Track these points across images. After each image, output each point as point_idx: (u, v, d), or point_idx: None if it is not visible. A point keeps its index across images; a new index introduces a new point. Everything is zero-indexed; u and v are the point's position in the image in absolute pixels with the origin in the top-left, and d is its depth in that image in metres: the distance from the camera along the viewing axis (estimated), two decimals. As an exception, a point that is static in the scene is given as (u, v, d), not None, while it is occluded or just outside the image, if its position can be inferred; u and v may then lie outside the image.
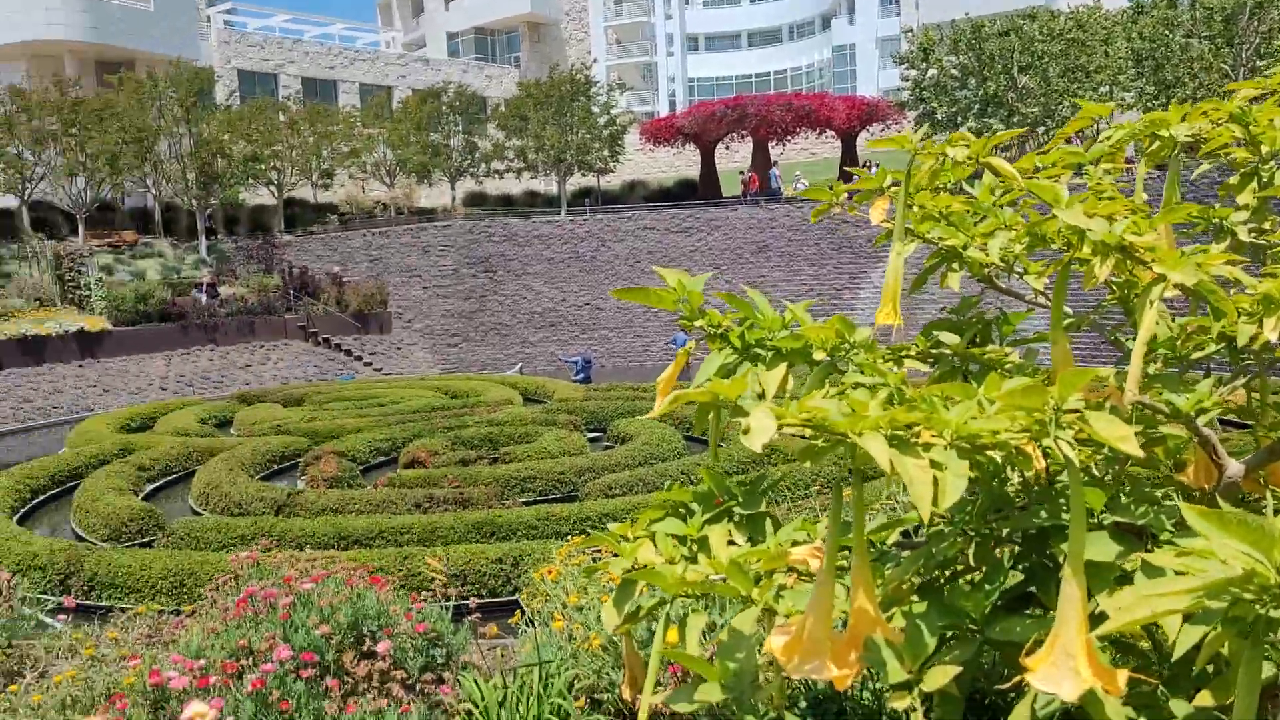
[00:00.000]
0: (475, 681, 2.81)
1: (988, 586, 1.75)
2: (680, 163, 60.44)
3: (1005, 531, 1.86)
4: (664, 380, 2.38)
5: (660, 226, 40.64)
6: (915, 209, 2.27)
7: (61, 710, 3.38)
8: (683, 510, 2.37)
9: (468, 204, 47.08)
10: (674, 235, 40.23)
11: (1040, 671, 1.48)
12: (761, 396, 2.13)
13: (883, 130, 46.42)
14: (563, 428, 19.76)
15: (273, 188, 42.89)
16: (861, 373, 1.92)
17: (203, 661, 3.23)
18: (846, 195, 2.46)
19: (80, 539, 14.23)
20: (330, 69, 56.85)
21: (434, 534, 12.77)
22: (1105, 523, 1.72)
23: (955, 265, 2.30)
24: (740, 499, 2.34)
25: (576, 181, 49.72)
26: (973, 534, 1.85)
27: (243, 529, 12.99)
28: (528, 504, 14.67)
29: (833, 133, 47.73)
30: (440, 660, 3.45)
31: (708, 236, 40.02)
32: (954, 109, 39.75)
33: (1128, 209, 1.90)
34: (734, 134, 47.98)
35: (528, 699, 2.82)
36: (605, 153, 46.21)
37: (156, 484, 17.89)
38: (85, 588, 11.77)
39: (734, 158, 57.83)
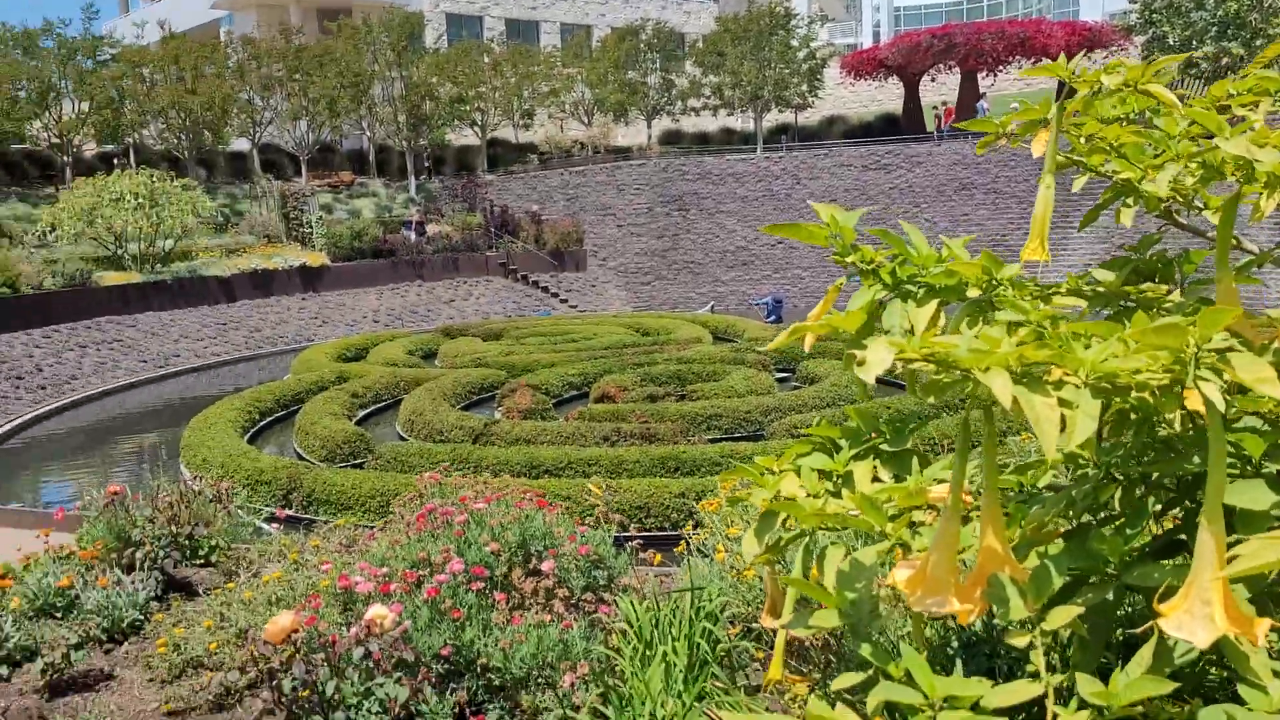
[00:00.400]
0: (631, 602, 2.92)
1: (1129, 531, 1.68)
2: (882, 96, 58.42)
3: (1156, 476, 1.78)
4: (813, 316, 2.38)
5: (857, 164, 39.57)
6: (1084, 140, 2.15)
7: (268, 606, 3.74)
8: (830, 446, 2.37)
9: (663, 142, 47.23)
10: (871, 172, 39.10)
11: (1173, 618, 1.42)
12: (911, 333, 2.10)
13: (1105, 58, 43.32)
14: (751, 367, 19.78)
15: (477, 128, 44.32)
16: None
17: (385, 570, 3.52)
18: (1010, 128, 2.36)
19: (301, 458, 15.42)
20: (532, 9, 57.82)
21: (620, 467, 13.12)
22: (1264, 470, 1.62)
23: (1129, 200, 2.18)
24: (888, 436, 2.32)
25: (773, 118, 48.94)
26: (1120, 478, 1.78)
27: (442, 455, 13.71)
28: (712, 441, 14.84)
29: (1049, 61, 44.85)
30: (602, 582, 3.61)
31: (908, 174, 38.68)
32: (1188, 32, 36.59)
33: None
34: (941, 65, 45.91)
35: (679, 621, 2.91)
36: (803, 88, 45.22)
37: (368, 410, 19.10)
38: (304, 502, 12.77)
39: (940, 90, 55.40)
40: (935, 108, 46.65)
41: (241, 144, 42.21)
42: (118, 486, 4.92)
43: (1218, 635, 1.36)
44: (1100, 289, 1.96)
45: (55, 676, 3.78)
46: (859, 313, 1.60)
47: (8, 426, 19.70)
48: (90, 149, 40.59)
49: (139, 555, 4.61)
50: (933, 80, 51.03)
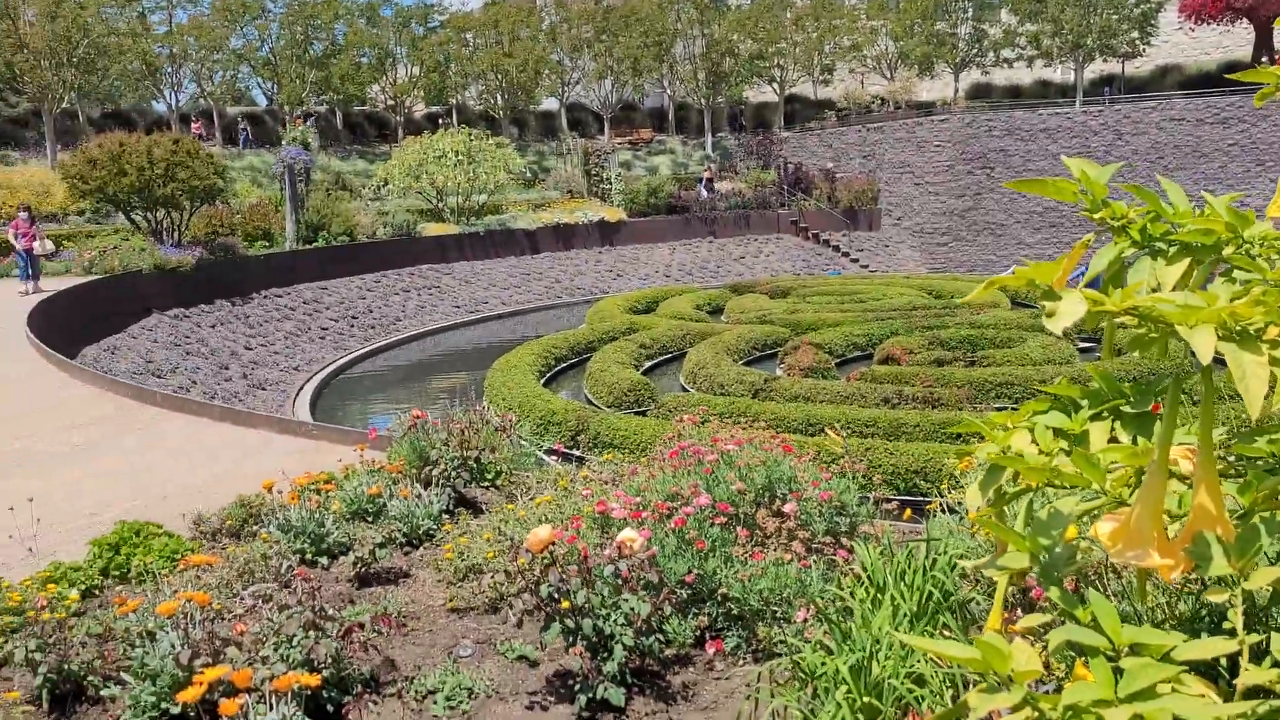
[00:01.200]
0: (868, 548, 3.01)
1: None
2: (1229, 42, 52.50)
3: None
4: (1057, 274, 2.35)
5: (1191, 118, 35.99)
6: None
7: (538, 524, 4.13)
8: (1070, 405, 2.35)
9: (970, 96, 45.07)
10: (1207, 127, 35.46)
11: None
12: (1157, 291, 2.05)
13: None
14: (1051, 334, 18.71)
15: (775, 85, 44.25)
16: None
17: (639, 499, 3.79)
18: None
19: (589, 403, 16.32)
20: (838, -39, 56.63)
21: (898, 429, 12.93)
22: None
23: None
24: (1131, 398, 2.28)
25: (1097, 68, 45.32)
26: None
27: (721, 407, 14.05)
28: (1000, 410, 14.27)
29: None
30: (844, 528, 3.69)
31: (1251, 129, 34.76)
32: None
33: None
34: (1299, 5, 40.68)
35: (913, 570, 2.97)
36: (1134, 34, 41.55)
37: (654, 361, 19.85)
38: (590, 443, 13.56)
39: (1297, 34, 49.04)
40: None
41: (551, 103, 44.52)
42: (421, 412, 5.55)
43: None
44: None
45: (363, 569, 4.38)
46: (1050, 266, 1.60)
47: (344, 360, 22.16)
48: (419, 110, 44.28)
49: (435, 473, 5.20)
50: (1290, 21, 45.18)
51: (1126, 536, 1.64)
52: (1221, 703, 1.47)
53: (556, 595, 3.09)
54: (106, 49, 33.13)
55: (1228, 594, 1.57)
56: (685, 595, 3.45)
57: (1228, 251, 2.15)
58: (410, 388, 21.22)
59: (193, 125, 36.93)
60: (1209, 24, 45.34)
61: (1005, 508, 2.28)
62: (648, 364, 19.57)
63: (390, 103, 41.90)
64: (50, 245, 20.45)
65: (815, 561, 3.36)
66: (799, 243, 36.25)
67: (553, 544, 3.08)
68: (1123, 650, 1.55)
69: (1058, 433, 2.27)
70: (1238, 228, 1.95)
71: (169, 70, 37.79)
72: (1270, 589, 1.52)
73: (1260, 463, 2.07)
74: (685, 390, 17.15)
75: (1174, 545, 1.62)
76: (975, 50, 44.29)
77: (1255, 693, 1.53)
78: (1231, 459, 2.07)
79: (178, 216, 23.80)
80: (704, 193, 36.26)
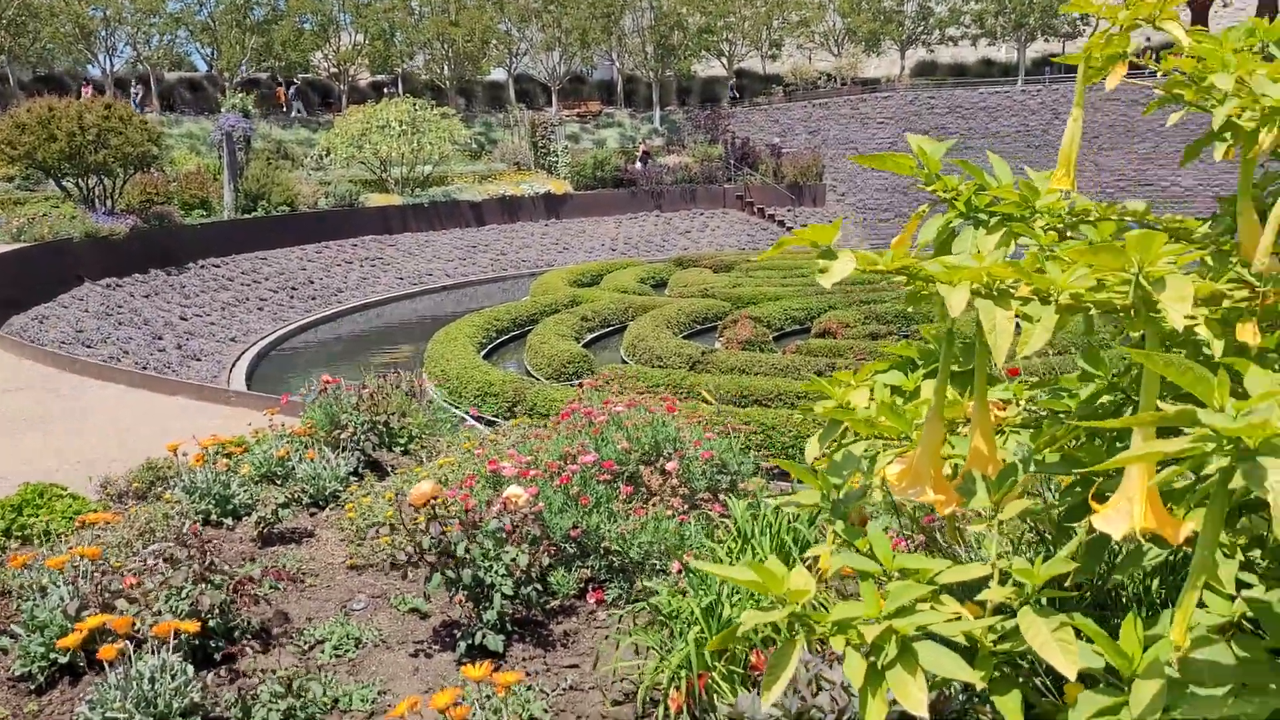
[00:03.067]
0: (735, 502, 3.16)
1: (1119, 445, 1.77)
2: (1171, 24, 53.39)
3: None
4: (896, 243, 2.51)
5: (1124, 97, 36.66)
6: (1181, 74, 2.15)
7: (442, 483, 4.24)
8: (907, 364, 2.52)
9: (916, 74, 45.45)
10: (1139, 107, 36.16)
11: (1102, 513, 1.53)
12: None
13: None
14: (981, 309, 19.10)
15: (723, 59, 44.30)
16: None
17: (529, 458, 3.92)
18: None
19: (530, 375, 16.40)
20: (787, -63, 56.67)
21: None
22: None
23: (1227, 135, 2.17)
24: (960, 357, 2.44)
25: (1040, 48, 45.95)
26: (1120, 395, 1.86)
27: (657, 378, 14.21)
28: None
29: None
30: (724, 485, 3.86)
31: (1184, 110, 35.45)
32: None
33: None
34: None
35: (778, 522, 3.13)
36: (1074, 14, 42.16)
37: (596, 334, 19.94)
38: (526, 414, 13.64)
39: (1239, 16, 50.05)
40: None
41: (498, 74, 44.16)
42: (331, 378, 5.61)
43: (1132, 530, 1.46)
44: (1128, 217, 2.01)
45: (266, 529, 4.45)
46: (832, 227, 1.73)
47: (283, 331, 21.96)
48: (364, 78, 43.69)
49: (343, 437, 5.28)
50: (1226, 4, 46.24)
51: (909, 476, 1.79)
52: (973, 619, 1.63)
53: (436, 547, 3.20)
54: (37, 11, 32.29)
55: (984, 524, 1.73)
56: (572, 550, 3.58)
57: (1042, 222, 2.32)
58: (352, 360, 21.11)
59: (132, 90, 36.17)
60: (1148, 6, 45.97)
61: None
62: (589, 336, 19.67)
63: (334, 71, 41.33)
64: (-23, 212, 20.03)
65: (695, 517, 3.51)
66: (745, 217, 36.45)
67: (435, 499, 3.19)
68: (894, 574, 1.70)
69: (896, 390, 2.43)
70: (1030, 200, 2.11)
71: (103, 34, 36.91)
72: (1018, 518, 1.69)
73: (1063, 416, 2.25)
74: (625, 363, 17.29)
75: (947, 483, 1.77)
76: (921, 28, 44.68)
77: (1002, 610, 1.69)
78: (1043, 414, 2.23)
79: (110, 184, 23.36)
80: (639, 165, 36.27)
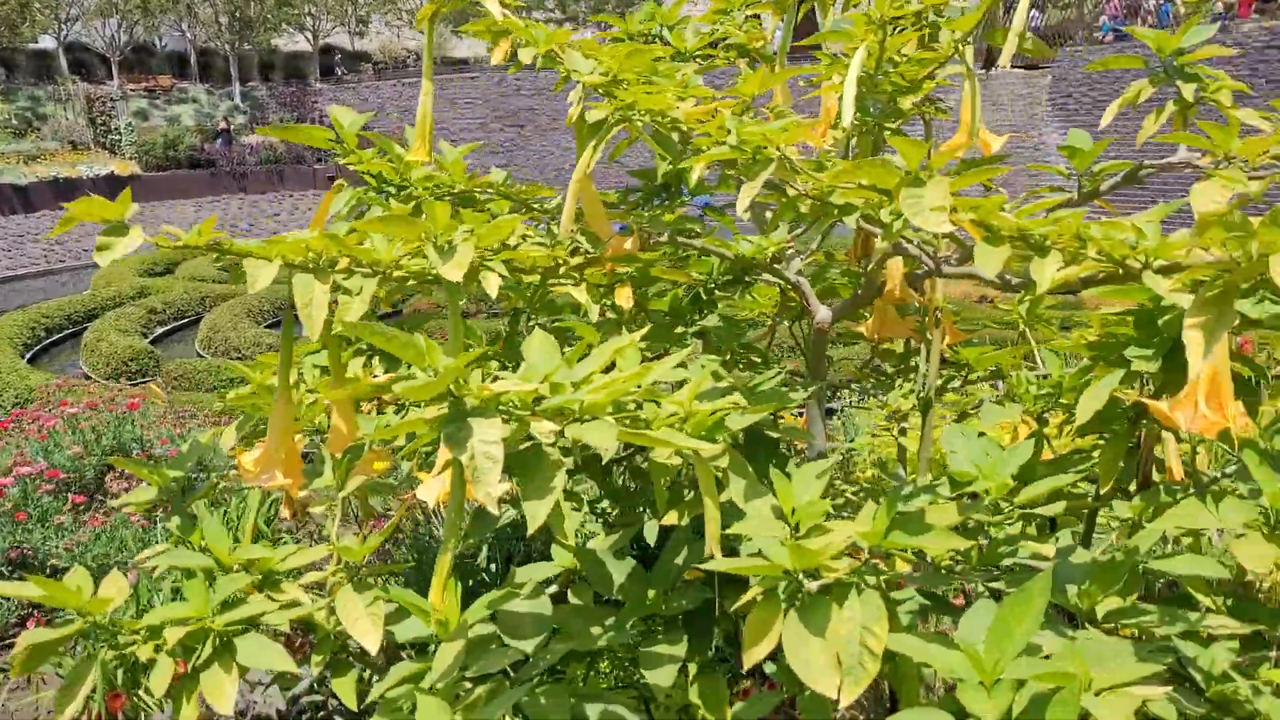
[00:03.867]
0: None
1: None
2: None
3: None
4: (312, 225, 2.45)
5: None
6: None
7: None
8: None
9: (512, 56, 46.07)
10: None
11: (422, 486, 1.55)
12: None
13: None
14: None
15: (308, 34, 42.39)
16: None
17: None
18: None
19: (87, 377, 14.78)
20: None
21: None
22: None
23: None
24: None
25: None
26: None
27: (234, 372, 13.35)
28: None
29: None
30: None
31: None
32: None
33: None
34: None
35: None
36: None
37: (168, 327, 18.38)
38: (77, 421, 12.31)
39: None
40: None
41: (47, 42, 39.23)
42: None
43: (444, 496, 1.49)
44: (489, 188, 2.09)
45: None
46: (122, 200, 1.63)
47: None
48: None
49: None
50: None
51: (262, 461, 1.74)
52: (310, 605, 1.62)
53: None
54: None
55: (325, 505, 1.73)
56: (7, 573, 3.21)
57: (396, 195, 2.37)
58: None
59: None
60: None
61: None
62: (160, 330, 18.09)
63: None
64: None
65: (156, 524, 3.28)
66: (339, 199, 35.20)
67: None
68: (234, 567, 1.64)
69: (325, 370, 2.37)
70: (404, 171, 2.14)
71: None
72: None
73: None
74: (201, 356, 16.09)
75: (300, 465, 1.74)
76: (526, 7, 45.37)
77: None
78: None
79: None
80: (220, 145, 33.99)
